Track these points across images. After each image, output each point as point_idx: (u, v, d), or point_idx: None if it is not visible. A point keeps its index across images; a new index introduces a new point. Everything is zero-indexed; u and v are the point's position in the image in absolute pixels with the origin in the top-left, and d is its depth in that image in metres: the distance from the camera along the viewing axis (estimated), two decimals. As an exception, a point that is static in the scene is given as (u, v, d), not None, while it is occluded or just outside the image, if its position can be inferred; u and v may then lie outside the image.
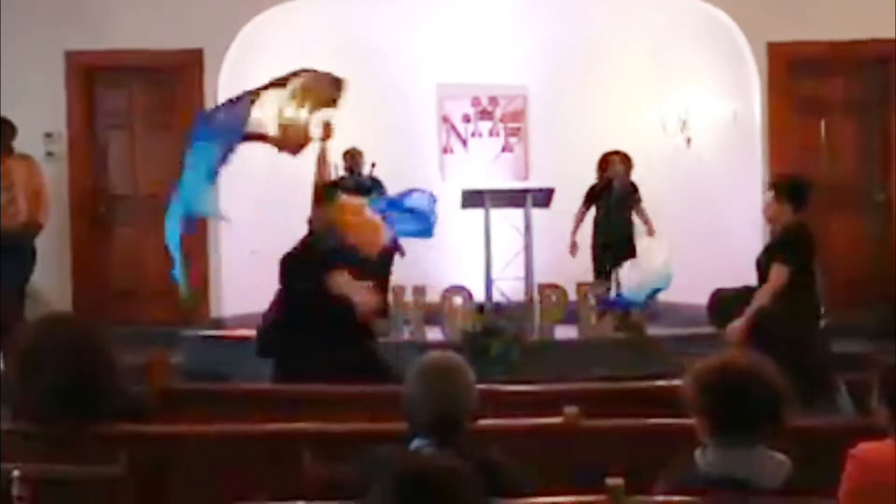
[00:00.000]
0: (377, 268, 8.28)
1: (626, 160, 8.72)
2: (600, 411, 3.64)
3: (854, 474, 2.70)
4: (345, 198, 5.74)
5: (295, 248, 5.49)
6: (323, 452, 3.32)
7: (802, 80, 8.85)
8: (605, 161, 8.78)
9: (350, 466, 2.87)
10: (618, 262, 8.21)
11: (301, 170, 7.66)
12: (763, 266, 5.73)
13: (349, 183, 8.83)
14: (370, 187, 8.82)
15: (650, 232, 8.52)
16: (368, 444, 3.02)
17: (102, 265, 9.02)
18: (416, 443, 2.86)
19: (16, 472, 3.08)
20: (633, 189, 8.68)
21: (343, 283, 5.34)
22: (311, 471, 3.28)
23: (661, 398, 3.83)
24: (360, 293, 5.35)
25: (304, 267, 5.37)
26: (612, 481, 2.63)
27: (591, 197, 8.66)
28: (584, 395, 3.98)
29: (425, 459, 2.14)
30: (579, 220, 8.65)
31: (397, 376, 5.24)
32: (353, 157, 8.89)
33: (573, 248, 8.53)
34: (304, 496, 2.94)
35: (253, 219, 8.27)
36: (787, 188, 5.80)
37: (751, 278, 8.56)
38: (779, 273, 5.54)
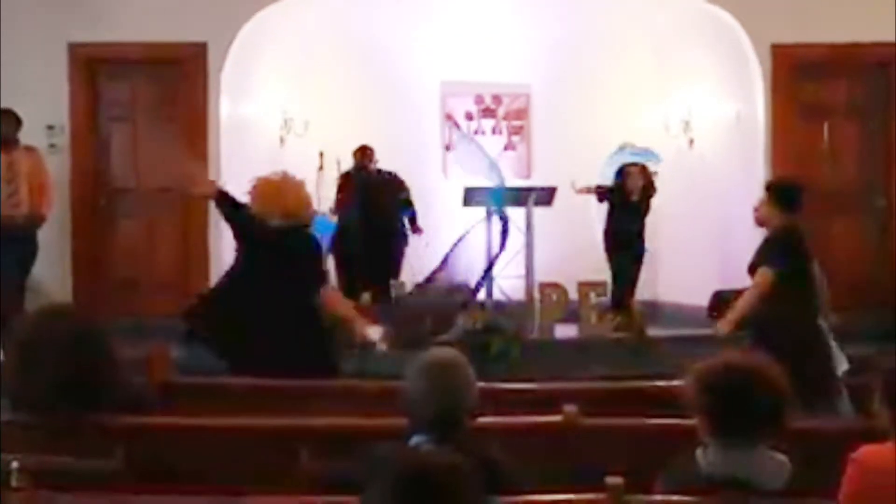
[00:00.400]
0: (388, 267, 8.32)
1: (644, 173, 8.72)
2: (600, 410, 3.63)
3: (855, 477, 2.69)
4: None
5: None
6: (321, 448, 3.32)
7: (805, 82, 8.84)
8: (625, 173, 8.78)
9: (348, 462, 2.86)
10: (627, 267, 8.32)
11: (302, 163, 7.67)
12: (752, 268, 5.72)
13: (356, 178, 8.84)
14: (379, 182, 8.82)
15: None
16: (367, 440, 3.02)
17: (104, 257, 9.02)
18: (415, 439, 2.86)
19: (14, 464, 3.08)
20: (647, 200, 8.69)
21: (338, 300, 5.28)
22: (308, 466, 3.28)
23: (661, 398, 3.82)
24: (359, 321, 5.28)
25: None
26: (611, 480, 2.62)
27: (604, 197, 8.69)
28: (583, 394, 3.97)
29: (425, 456, 2.14)
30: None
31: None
32: (362, 154, 8.88)
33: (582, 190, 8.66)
34: (301, 491, 2.94)
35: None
36: (778, 191, 5.77)
37: (745, 280, 8.60)
38: (763, 276, 5.50)
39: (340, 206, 8.91)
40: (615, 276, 8.46)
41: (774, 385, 2.72)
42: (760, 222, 5.89)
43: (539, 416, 3.61)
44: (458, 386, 2.91)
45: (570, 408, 3.49)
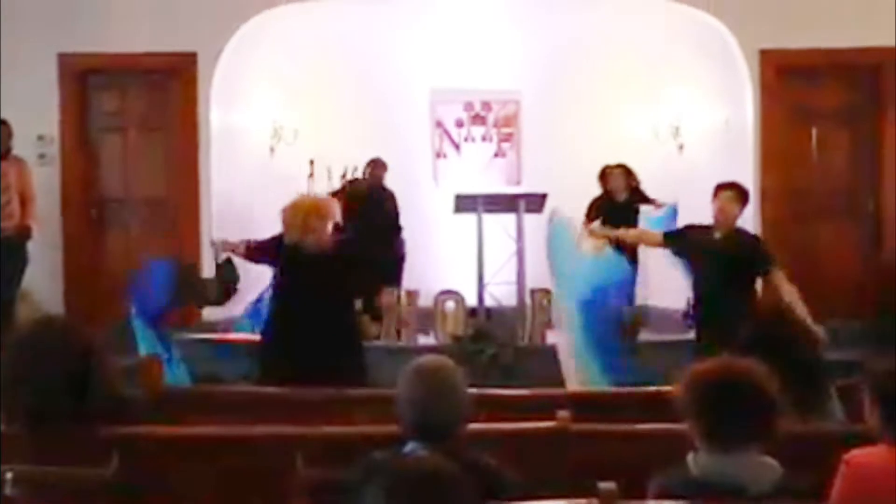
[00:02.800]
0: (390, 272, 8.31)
1: (627, 172, 8.73)
2: (592, 416, 3.65)
3: (846, 481, 2.71)
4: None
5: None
6: (316, 456, 3.32)
7: (794, 87, 8.88)
8: (605, 174, 8.79)
9: (343, 470, 2.87)
10: None
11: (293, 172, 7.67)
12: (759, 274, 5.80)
13: (361, 187, 8.80)
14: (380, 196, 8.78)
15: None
16: (362, 447, 3.03)
17: (94, 268, 9.01)
18: (409, 446, 2.87)
19: (9, 475, 3.09)
20: (636, 201, 8.67)
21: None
22: (303, 474, 3.28)
23: (653, 403, 3.84)
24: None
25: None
26: (604, 485, 2.64)
27: (592, 210, 8.63)
28: (576, 399, 3.99)
29: (418, 462, 2.15)
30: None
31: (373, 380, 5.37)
32: (382, 167, 8.87)
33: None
34: (296, 499, 2.94)
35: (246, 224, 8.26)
36: (744, 191, 6.00)
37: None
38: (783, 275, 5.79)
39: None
40: None
41: (765, 389, 2.74)
42: (732, 220, 5.97)
43: (532, 421, 3.62)
44: (448, 391, 2.93)
45: (562, 413, 3.50)
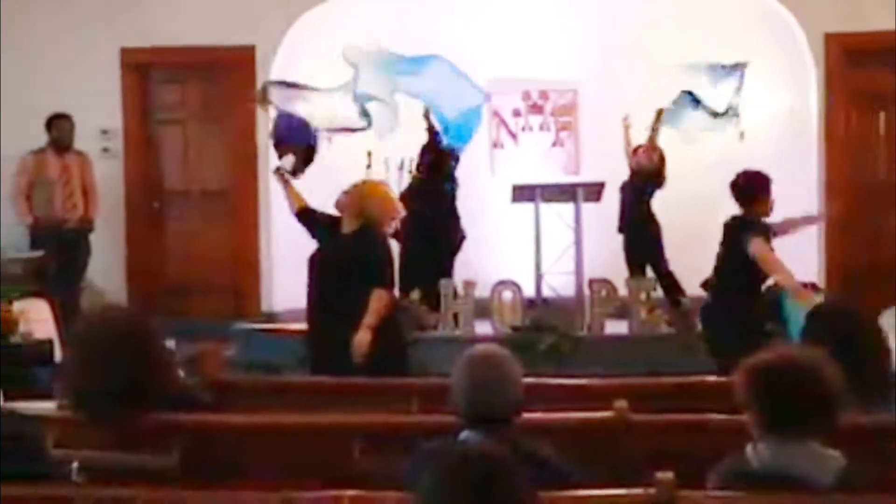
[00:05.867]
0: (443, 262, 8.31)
1: (647, 151, 8.46)
2: (650, 406, 3.61)
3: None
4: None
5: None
6: (373, 445, 3.34)
7: (860, 71, 8.69)
8: (633, 153, 8.66)
9: (399, 459, 2.88)
10: (640, 257, 8.17)
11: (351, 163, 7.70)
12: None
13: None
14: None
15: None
16: (418, 436, 3.04)
17: (156, 259, 9.15)
18: (463, 435, 2.88)
19: (75, 463, 3.16)
20: (649, 181, 8.45)
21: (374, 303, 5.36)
22: (361, 462, 3.31)
23: (712, 393, 3.80)
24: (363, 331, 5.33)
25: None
26: (662, 475, 2.61)
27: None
28: (634, 390, 3.96)
29: (471, 448, 2.15)
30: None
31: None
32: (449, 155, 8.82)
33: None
34: (353, 487, 2.96)
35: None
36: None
37: (802, 274, 8.48)
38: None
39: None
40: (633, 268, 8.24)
41: (827, 379, 2.70)
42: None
43: (589, 412, 3.60)
44: (500, 380, 2.93)
45: (620, 403, 3.47)
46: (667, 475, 2.61)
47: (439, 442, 2.79)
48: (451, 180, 8.58)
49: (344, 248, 5.42)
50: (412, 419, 3.70)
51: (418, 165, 8.58)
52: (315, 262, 5.52)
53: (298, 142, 6.59)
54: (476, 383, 2.90)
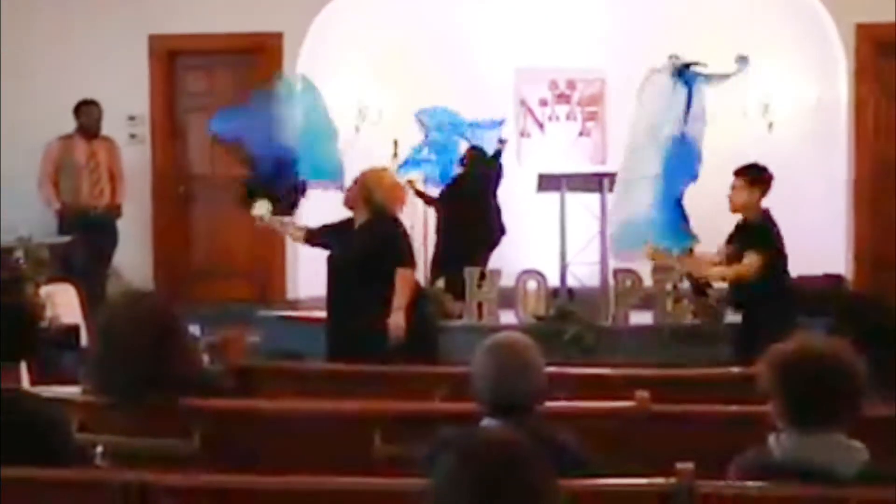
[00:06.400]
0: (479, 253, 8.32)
1: None
2: (672, 396, 3.60)
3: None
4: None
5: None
6: (394, 432, 3.35)
7: (892, 63, 8.59)
8: None
9: (420, 446, 2.88)
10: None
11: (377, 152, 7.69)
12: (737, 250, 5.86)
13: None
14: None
15: None
16: (439, 424, 3.04)
17: (183, 245, 9.19)
18: (484, 422, 2.88)
19: (99, 448, 3.19)
20: None
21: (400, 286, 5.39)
22: (382, 450, 3.31)
23: (735, 383, 3.78)
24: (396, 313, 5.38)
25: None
26: (682, 465, 2.60)
27: None
28: (656, 380, 3.95)
29: (489, 434, 2.14)
30: None
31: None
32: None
33: None
34: (374, 474, 2.97)
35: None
36: (757, 175, 5.96)
37: (830, 266, 8.41)
38: (753, 261, 5.76)
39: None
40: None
41: (851, 371, 2.67)
42: (741, 209, 6.02)
43: (611, 401, 3.59)
44: (522, 367, 2.91)
45: (642, 393, 3.46)
46: (687, 465, 2.60)
47: (458, 429, 2.79)
48: (490, 177, 8.60)
49: (360, 240, 5.44)
50: (433, 406, 3.70)
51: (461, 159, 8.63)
52: (333, 262, 5.54)
53: (276, 187, 6.13)
54: (498, 371, 2.89)
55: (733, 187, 6.03)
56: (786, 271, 6.06)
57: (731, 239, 6.08)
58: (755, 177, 6.00)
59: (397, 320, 5.28)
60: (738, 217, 6.13)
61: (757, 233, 5.92)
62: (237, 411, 3.59)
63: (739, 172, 6.06)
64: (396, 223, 5.60)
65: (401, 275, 5.36)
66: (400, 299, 5.31)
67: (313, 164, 6.07)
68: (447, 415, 3.39)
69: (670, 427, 3.39)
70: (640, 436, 3.34)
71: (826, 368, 2.67)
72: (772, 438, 2.68)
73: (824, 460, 2.61)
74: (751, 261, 5.82)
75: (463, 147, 8.76)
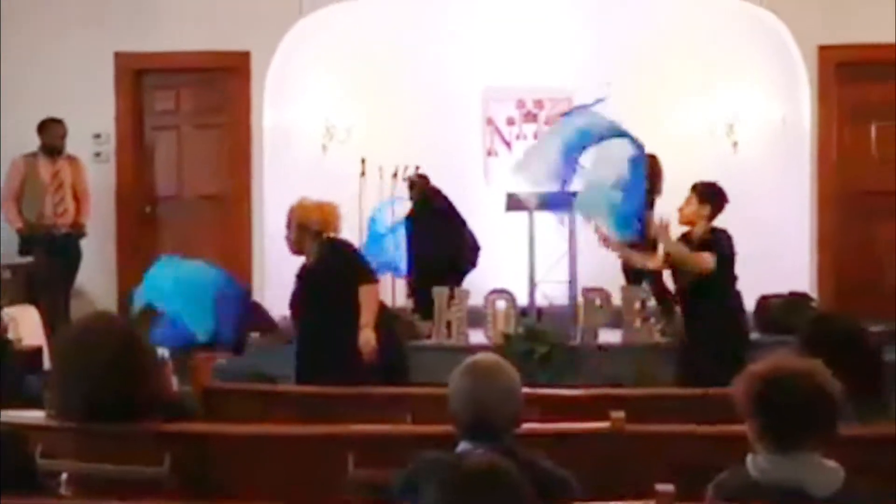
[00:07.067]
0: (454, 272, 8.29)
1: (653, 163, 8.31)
2: (647, 416, 3.59)
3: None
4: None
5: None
6: (367, 455, 3.30)
7: (853, 84, 8.70)
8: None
9: (394, 470, 2.85)
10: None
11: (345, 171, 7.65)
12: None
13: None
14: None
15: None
16: (413, 447, 3.00)
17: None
18: (461, 446, 2.84)
19: (63, 475, 3.11)
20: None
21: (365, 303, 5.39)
22: (354, 473, 3.27)
23: (710, 403, 3.78)
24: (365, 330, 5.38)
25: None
26: (662, 487, 2.58)
27: None
28: (631, 400, 3.93)
29: (475, 460, 2.11)
30: None
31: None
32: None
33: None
34: (347, 498, 2.93)
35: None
36: (710, 191, 6.07)
37: (796, 285, 8.47)
38: (708, 260, 5.90)
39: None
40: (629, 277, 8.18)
41: (826, 389, 2.67)
42: (688, 221, 6.14)
43: (584, 422, 3.57)
44: (504, 390, 2.88)
45: (617, 414, 3.45)
46: (666, 487, 2.59)
47: (437, 453, 2.75)
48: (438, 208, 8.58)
49: (318, 273, 5.44)
50: (408, 429, 3.66)
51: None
52: (299, 303, 5.58)
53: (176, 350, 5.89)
54: (478, 395, 2.86)
55: (686, 200, 6.16)
56: (733, 286, 6.17)
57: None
58: (705, 192, 6.13)
59: (367, 337, 5.27)
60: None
61: (701, 242, 6.02)
62: (208, 435, 3.52)
63: (694, 187, 6.19)
64: (345, 244, 5.63)
65: (365, 291, 5.38)
66: (367, 315, 5.32)
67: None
68: (422, 437, 3.35)
69: (647, 448, 3.37)
70: (617, 457, 3.32)
71: (801, 389, 2.66)
72: (749, 459, 2.68)
73: (801, 480, 2.61)
74: (707, 257, 5.93)
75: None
